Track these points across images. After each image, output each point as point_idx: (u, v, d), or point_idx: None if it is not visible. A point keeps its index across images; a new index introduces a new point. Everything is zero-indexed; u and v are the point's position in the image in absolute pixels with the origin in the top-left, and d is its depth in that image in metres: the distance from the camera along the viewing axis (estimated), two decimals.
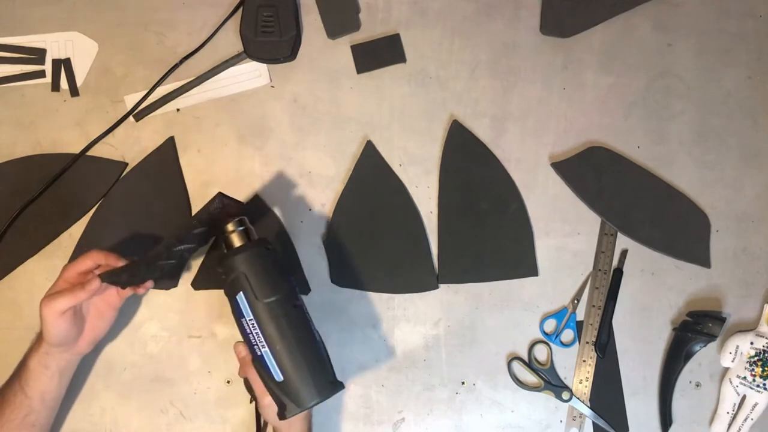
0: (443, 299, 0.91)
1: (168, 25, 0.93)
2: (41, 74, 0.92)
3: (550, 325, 0.91)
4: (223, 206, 0.78)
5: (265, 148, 0.92)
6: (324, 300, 0.90)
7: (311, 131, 0.93)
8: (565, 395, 0.90)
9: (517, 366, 0.91)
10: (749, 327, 0.91)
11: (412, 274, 0.91)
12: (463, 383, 0.91)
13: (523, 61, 0.94)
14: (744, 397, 0.89)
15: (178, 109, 0.92)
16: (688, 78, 0.95)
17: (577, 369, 0.91)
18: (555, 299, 0.92)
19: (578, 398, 0.90)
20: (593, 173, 0.92)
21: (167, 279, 0.89)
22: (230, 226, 0.79)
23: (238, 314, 0.77)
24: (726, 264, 0.92)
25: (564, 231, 0.92)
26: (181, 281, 0.90)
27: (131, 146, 0.92)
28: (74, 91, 0.92)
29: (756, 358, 0.88)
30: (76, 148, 0.91)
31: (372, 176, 0.92)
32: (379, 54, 0.93)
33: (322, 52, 0.94)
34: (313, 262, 0.91)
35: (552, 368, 0.91)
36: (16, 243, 0.89)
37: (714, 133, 0.94)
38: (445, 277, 0.91)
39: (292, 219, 0.91)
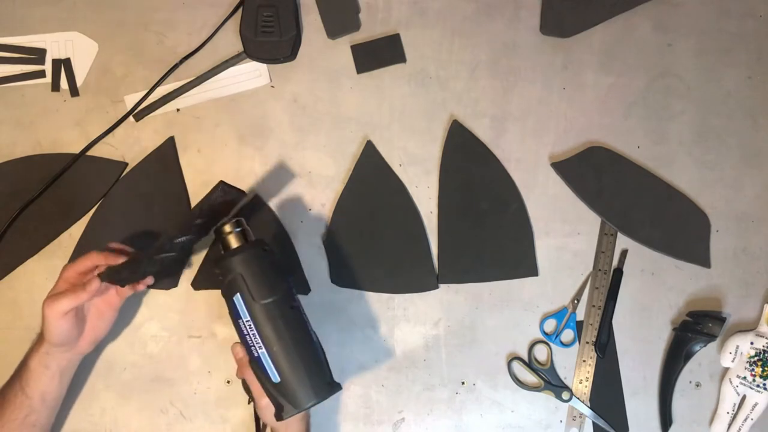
0: (443, 299, 0.91)
1: (168, 25, 0.93)
2: (41, 74, 0.92)
3: (550, 325, 0.91)
4: (224, 195, 0.77)
5: (265, 148, 0.92)
6: (324, 300, 0.90)
7: (311, 131, 0.93)
8: (565, 395, 0.90)
9: (517, 366, 0.91)
10: (749, 327, 0.91)
11: (412, 274, 0.91)
12: (463, 383, 0.91)
13: (523, 61, 0.94)
14: (744, 397, 0.89)
15: (178, 109, 0.92)
16: (688, 78, 0.95)
17: (577, 369, 0.91)
18: (555, 299, 0.92)
19: (578, 398, 0.90)
20: (593, 173, 0.92)
21: (167, 277, 0.89)
22: (227, 228, 0.78)
23: (235, 315, 0.76)
24: (726, 264, 0.92)
25: (564, 231, 0.92)
26: (181, 281, 0.90)
27: (131, 146, 0.92)
28: (74, 91, 0.92)
29: (756, 358, 0.88)
30: (76, 148, 0.91)
31: (372, 176, 0.92)
32: (379, 54, 0.93)
33: (322, 52, 0.94)
34: (313, 262, 0.91)
35: (552, 368, 0.91)
36: (16, 243, 0.89)
37: (714, 133, 0.94)
38: (445, 277, 0.91)
39: (291, 219, 0.91)
